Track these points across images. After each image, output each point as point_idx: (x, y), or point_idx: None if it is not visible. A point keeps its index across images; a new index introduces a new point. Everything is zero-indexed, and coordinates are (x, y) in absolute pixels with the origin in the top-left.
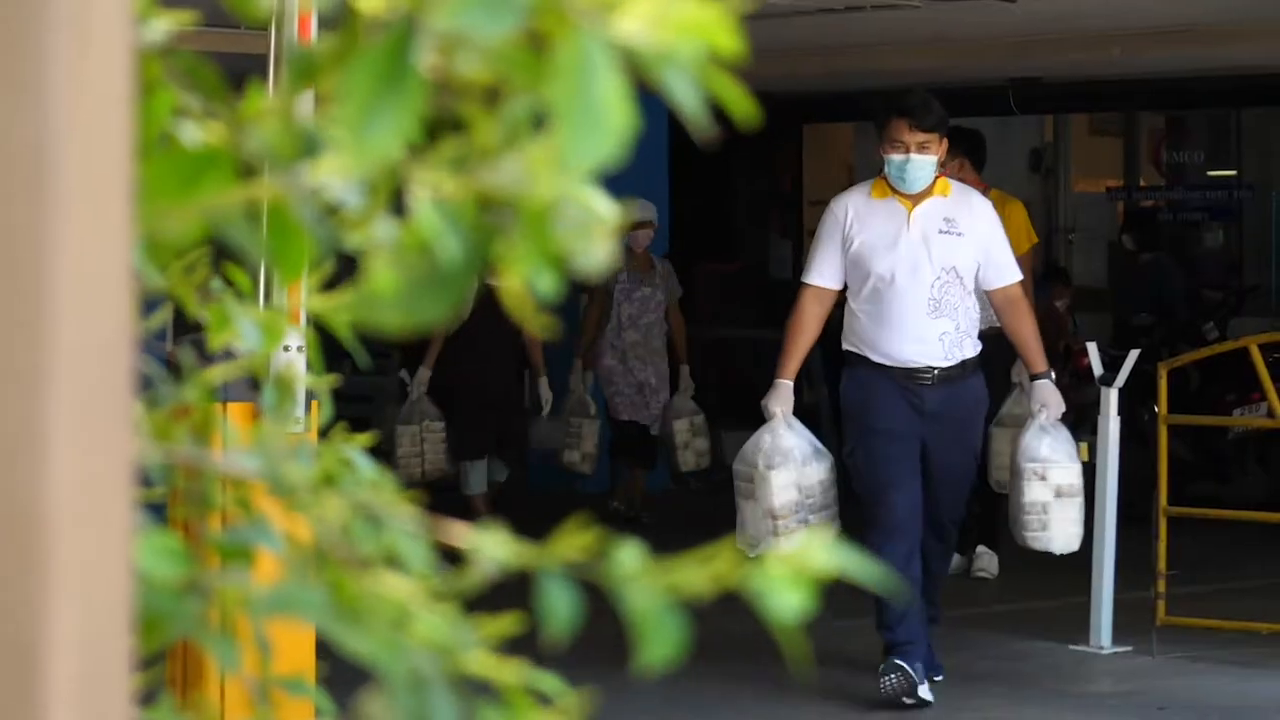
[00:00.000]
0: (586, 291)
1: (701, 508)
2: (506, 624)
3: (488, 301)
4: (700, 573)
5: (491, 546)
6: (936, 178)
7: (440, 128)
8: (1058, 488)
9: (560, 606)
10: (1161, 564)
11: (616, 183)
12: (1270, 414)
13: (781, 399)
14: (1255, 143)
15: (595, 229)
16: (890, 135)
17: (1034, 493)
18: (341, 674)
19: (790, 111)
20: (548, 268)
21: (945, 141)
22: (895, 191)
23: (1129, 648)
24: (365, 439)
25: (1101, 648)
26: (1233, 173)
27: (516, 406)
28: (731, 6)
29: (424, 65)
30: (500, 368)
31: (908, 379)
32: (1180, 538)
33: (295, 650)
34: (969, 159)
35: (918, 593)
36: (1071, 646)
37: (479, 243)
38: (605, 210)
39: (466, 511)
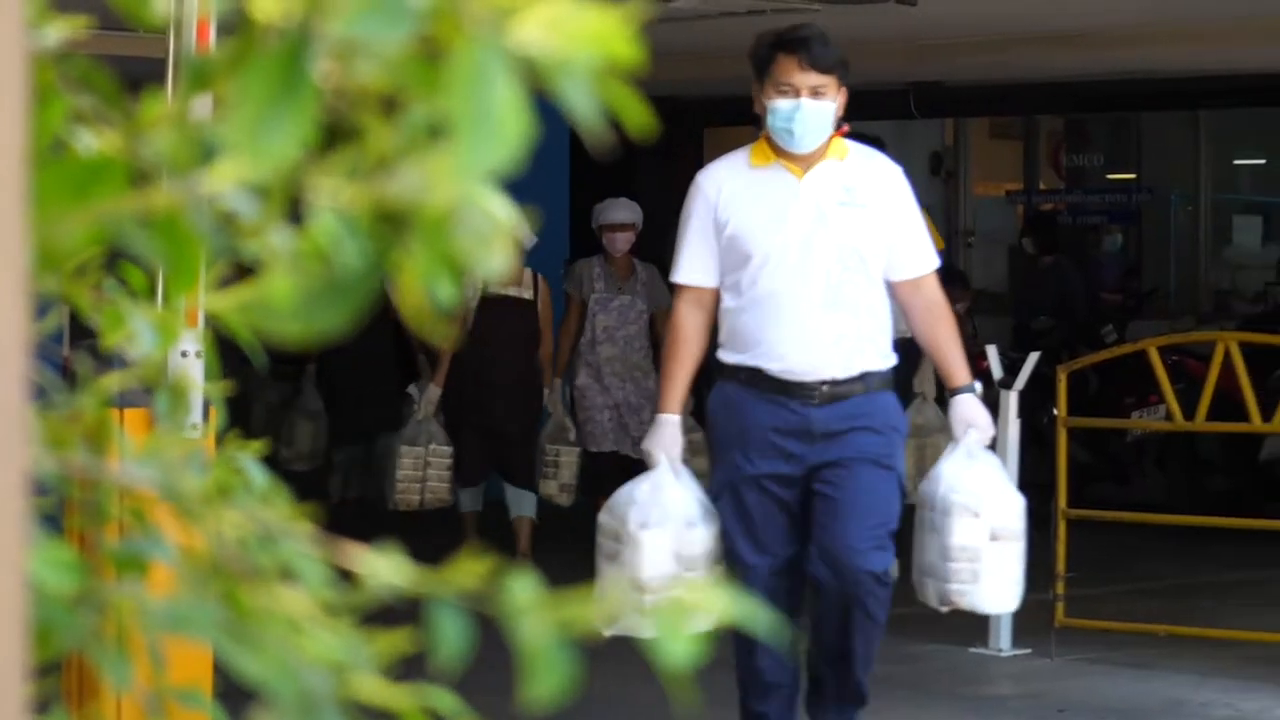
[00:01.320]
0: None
1: None
2: (402, 640)
3: (501, 314)
4: (593, 609)
5: (385, 569)
6: (831, 136)
7: (340, 135)
8: (994, 530)
9: (450, 635)
10: (1060, 566)
11: (515, 187)
12: (1168, 416)
13: (665, 440)
14: (1154, 146)
15: (495, 236)
16: (776, 77)
17: (965, 534)
18: (238, 686)
19: (692, 115)
20: (447, 275)
21: (844, 91)
22: (780, 154)
23: (1028, 650)
24: (257, 447)
25: (1001, 650)
26: (1132, 176)
27: (525, 433)
28: (630, 14)
29: (319, 72)
30: (511, 388)
31: (788, 395)
32: (1079, 540)
33: (191, 662)
34: None
35: (785, 671)
36: (971, 649)
37: (377, 250)
38: (505, 217)
39: (460, 530)
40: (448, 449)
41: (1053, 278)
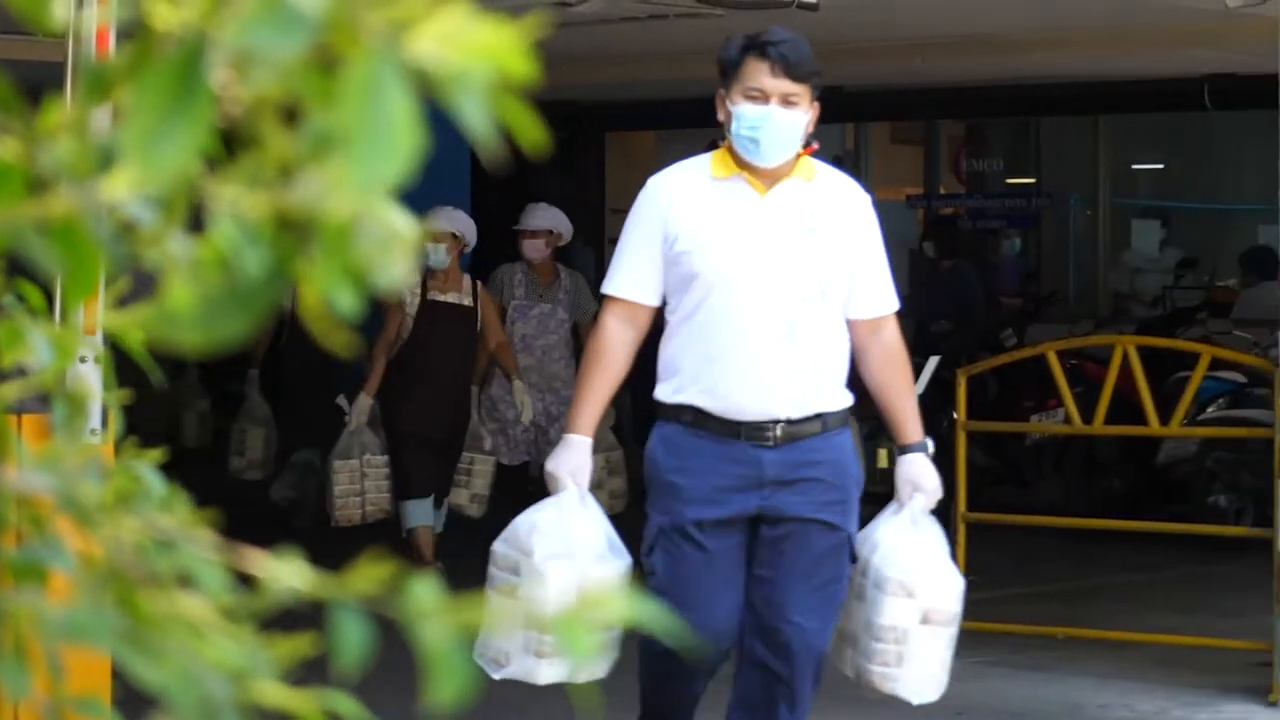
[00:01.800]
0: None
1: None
2: (304, 645)
3: (440, 321)
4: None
5: (287, 574)
6: (799, 154)
7: (242, 142)
8: (926, 612)
9: (352, 639)
10: (961, 569)
11: (417, 192)
12: (1067, 420)
13: (575, 464)
14: (1053, 151)
15: (396, 244)
16: (744, 82)
17: (896, 614)
18: (137, 693)
19: (594, 119)
20: (348, 284)
21: (817, 106)
22: (744, 167)
23: None
24: (155, 455)
25: None
26: (1031, 181)
27: (455, 446)
28: (526, 28)
29: (215, 81)
30: (449, 397)
31: (737, 437)
32: (979, 543)
33: (90, 670)
34: None
35: None
36: None
37: (279, 259)
38: (404, 226)
39: (408, 551)
40: (383, 458)
41: (952, 282)
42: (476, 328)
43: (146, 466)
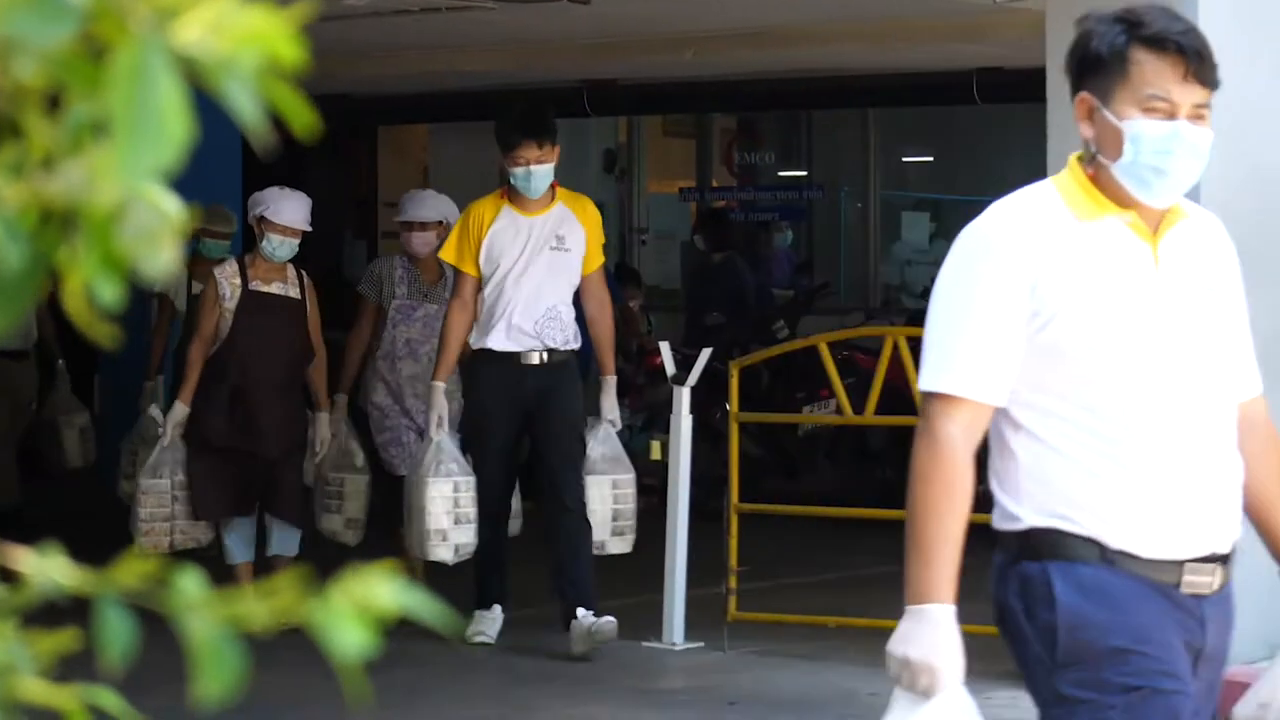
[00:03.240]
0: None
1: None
2: (68, 640)
3: (264, 316)
4: (262, 604)
5: (49, 569)
6: None
7: (3, 132)
8: None
9: (117, 633)
10: (733, 560)
11: (187, 182)
12: (839, 410)
13: (946, 649)
14: (824, 144)
15: (161, 233)
16: (1139, 88)
17: None
18: None
19: (366, 112)
20: (111, 275)
21: None
22: (1121, 204)
23: (701, 643)
24: None
25: (674, 644)
26: (803, 173)
27: (289, 458)
28: (294, 15)
29: None
30: (274, 402)
31: (1177, 584)
32: (751, 534)
33: None
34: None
35: None
36: (644, 643)
37: (41, 250)
38: (173, 212)
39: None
40: None
41: (725, 274)
42: (305, 323)
43: None
